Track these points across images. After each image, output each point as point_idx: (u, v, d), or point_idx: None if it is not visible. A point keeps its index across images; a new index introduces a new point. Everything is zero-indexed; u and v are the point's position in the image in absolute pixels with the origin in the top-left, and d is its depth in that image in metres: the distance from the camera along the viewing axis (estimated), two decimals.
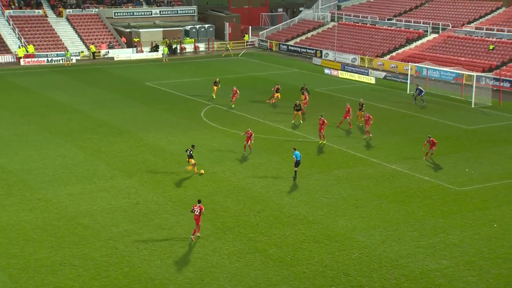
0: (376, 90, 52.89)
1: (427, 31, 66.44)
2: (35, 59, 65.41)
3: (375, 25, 72.14)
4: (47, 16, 73.79)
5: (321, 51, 68.96)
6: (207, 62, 68.24)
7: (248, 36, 79.32)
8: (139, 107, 46.13)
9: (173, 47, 72.67)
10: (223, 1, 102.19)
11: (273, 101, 46.44)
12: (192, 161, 31.00)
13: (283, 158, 33.76)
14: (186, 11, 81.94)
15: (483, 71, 54.43)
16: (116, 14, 77.49)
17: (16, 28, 69.79)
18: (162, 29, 75.00)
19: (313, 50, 70.34)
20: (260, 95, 49.60)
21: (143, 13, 79.23)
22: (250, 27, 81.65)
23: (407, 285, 21.15)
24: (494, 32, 60.72)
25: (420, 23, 67.92)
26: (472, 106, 46.43)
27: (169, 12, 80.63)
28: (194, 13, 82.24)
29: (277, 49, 75.21)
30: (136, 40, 71.79)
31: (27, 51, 66.31)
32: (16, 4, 73.82)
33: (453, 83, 53.28)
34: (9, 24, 70.58)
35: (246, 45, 77.82)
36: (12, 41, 68.60)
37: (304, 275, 21.76)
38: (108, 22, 75.12)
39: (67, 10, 74.88)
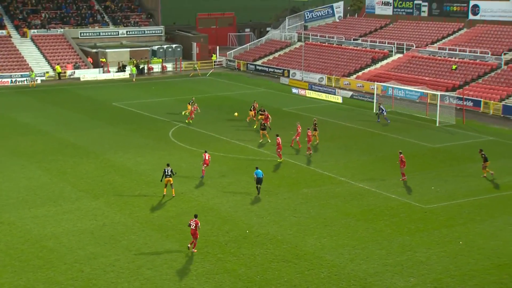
0: (343, 109, 53.52)
1: (392, 51, 67.74)
2: None
3: (341, 45, 73.24)
4: (11, 37, 72.90)
5: (288, 71, 69.59)
6: (174, 82, 68.16)
7: (216, 56, 79.63)
8: (106, 128, 45.73)
9: (141, 67, 72.47)
10: (190, 21, 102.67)
11: (254, 119, 46.35)
12: (171, 180, 30.64)
13: (251, 178, 33.71)
14: (153, 31, 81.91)
15: (447, 90, 55.61)
16: (82, 34, 77.01)
17: None
18: (129, 49, 74.77)
19: (280, 69, 70.94)
20: (227, 115, 49.66)
21: (109, 33, 78.89)
22: (217, 47, 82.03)
23: None
24: (457, 52, 62.25)
25: (385, 43, 69.25)
26: (437, 124, 47.32)
27: (136, 32, 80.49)
28: (162, 33, 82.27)
29: (245, 69, 75.63)
30: (102, 60, 71.39)
31: None
32: None
33: (418, 102, 54.31)
34: None
35: (214, 65, 78.05)
36: None
37: None
38: (74, 42, 74.60)
39: (32, 31, 74.13)
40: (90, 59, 72.45)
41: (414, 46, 66.75)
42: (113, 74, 70.20)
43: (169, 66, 75.80)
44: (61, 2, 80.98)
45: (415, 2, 73.47)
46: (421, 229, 27.35)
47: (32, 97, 58.06)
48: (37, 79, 65.17)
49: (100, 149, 39.66)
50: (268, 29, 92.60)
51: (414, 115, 50.70)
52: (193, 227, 24.56)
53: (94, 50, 73.43)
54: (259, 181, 31.12)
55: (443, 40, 67.35)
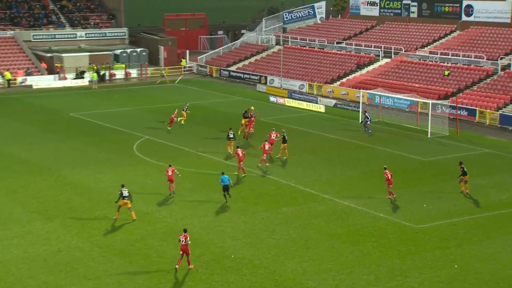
0: (326, 119, 53.78)
1: (378, 55, 68.43)
2: None
3: (323, 49, 73.80)
4: None
5: (265, 77, 69.82)
6: (140, 90, 67.91)
7: (186, 61, 79.64)
8: (62, 141, 45.34)
9: (101, 74, 72.08)
10: (157, 22, 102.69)
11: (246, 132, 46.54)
12: (129, 203, 30.23)
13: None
14: (116, 34, 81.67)
15: (439, 98, 56.28)
16: (35, 37, 76.44)
17: None
18: (88, 53, 74.32)
19: (257, 76, 71.14)
20: (198, 126, 49.56)
21: (66, 36, 78.44)
22: (187, 51, 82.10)
23: None
24: (449, 56, 63.07)
25: (371, 47, 69.91)
26: (429, 136, 47.77)
27: (96, 35, 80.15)
28: (125, 36, 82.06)
29: (218, 75, 75.69)
30: (58, 65, 70.88)
31: None
32: None
33: (408, 111, 54.80)
34: None
35: (183, 70, 78.02)
36: None
37: None
38: (26, 45, 74.04)
39: None
40: (44, 65, 71.88)
41: (403, 50, 67.53)
42: (70, 81, 69.71)
43: (134, 72, 75.55)
44: (11, 1, 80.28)
45: (404, 2, 74.41)
46: (413, 252, 27.44)
47: None
48: None
49: (55, 165, 39.28)
50: (243, 31, 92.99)
51: (404, 125, 51.15)
52: (183, 243, 24.97)
53: (49, 55, 72.89)
54: (225, 188, 32.10)
55: (434, 44, 68.27)
